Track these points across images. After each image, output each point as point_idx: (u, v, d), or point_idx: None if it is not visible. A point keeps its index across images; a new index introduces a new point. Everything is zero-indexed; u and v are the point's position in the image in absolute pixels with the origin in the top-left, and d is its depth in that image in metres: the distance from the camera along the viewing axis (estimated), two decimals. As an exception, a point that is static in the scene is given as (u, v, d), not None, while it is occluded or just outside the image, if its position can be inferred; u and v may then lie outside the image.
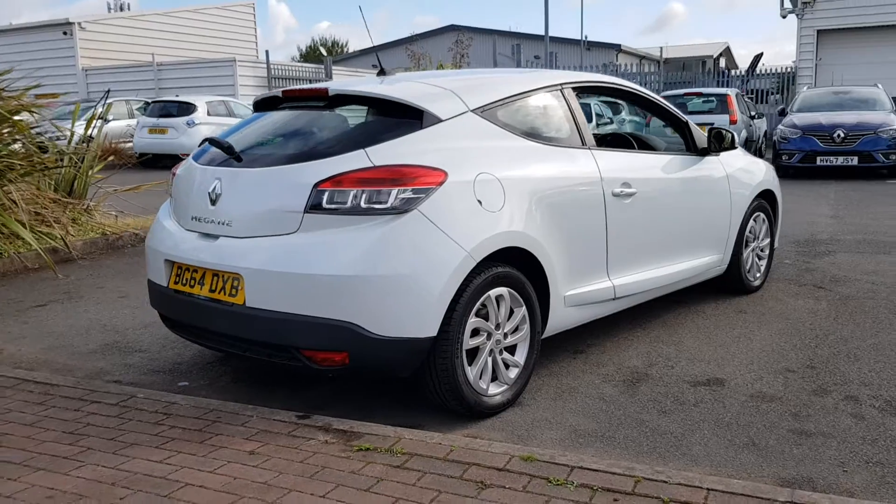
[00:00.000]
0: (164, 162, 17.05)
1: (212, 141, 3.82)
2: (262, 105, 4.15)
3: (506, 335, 3.58)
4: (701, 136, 5.08)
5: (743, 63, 54.37)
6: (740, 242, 5.39)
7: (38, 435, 3.16)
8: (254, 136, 3.89)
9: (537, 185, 3.71)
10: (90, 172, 8.65)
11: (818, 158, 12.81)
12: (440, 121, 3.53)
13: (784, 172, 13.49)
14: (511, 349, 3.64)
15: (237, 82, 22.74)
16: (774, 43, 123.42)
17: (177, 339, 4.83)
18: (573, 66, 24.95)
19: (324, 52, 53.34)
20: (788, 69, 27.50)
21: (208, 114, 18.66)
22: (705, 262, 5.06)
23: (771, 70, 28.41)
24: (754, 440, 3.25)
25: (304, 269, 3.20)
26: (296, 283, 3.20)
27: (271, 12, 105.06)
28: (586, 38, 44.29)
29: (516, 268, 3.57)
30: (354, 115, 3.76)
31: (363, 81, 3.99)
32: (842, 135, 12.66)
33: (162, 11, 27.82)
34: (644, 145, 5.32)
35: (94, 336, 4.98)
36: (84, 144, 8.63)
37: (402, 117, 3.53)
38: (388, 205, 3.19)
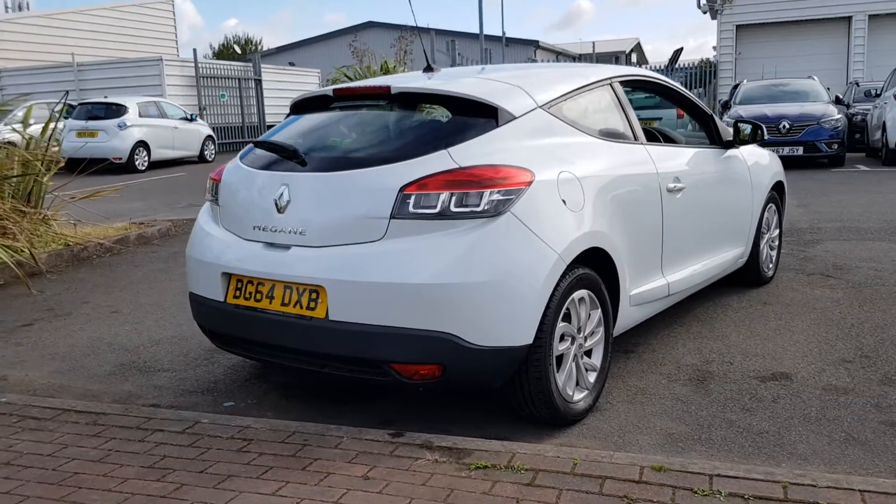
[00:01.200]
0: (96, 166, 16.22)
1: (264, 144, 3.58)
2: (306, 105, 3.91)
3: (585, 339, 3.47)
4: (725, 128, 5.08)
5: (653, 58, 55.78)
6: (758, 234, 5.44)
7: (114, 472, 2.87)
8: (311, 138, 3.66)
9: (608, 183, 3.62)
10: (45, 179, 8.12)
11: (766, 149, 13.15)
12: (514, 118, 3.39)
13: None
14: (588, 353, 3.54)
15: (164, 82, 21.88)
16: (679, 39, 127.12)
17: (199, 356, 4.54)
18: (498, 62, 25.02)
19: (238, 49, 52.11)
20: (709, 63, 28.31)
21: (140, 115, 17.92)
22: (734, 254, 5.07)
23: (692, 64, 29.25)
24: (851, 434, 3.23)
25: (394, 278, 3.00)
26: (385, 294, 3.01)
27: (177, 10, 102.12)
28: (505, 34, 44.57)
29: (593, 269, 3.47)
30: (416, 114, 3.57)
31: (417, 78, 3.79)
32: (787, 126, 13.06)
33: (78, 10, 26.57)
34: (666, 138, 5.29)
35: (105, 356, 4.62)
36: (43, 149, 8.08)
37: (475, 115, 3.37)
38: (481, 208, 3.03)
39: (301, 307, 3.19)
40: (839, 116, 13.25)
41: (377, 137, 3.55)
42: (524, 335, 3.07)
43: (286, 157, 3.42)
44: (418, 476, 2.75)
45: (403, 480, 2.71)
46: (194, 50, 22.69)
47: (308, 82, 28.74)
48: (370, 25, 55.48)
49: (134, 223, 9.04)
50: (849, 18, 26.42)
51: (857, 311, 4.92)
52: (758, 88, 15.05)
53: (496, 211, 3.04)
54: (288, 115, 4.05)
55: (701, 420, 3.43)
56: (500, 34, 37.81)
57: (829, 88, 15.96)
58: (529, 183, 3.14)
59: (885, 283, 5.57)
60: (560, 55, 51.64)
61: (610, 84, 4.10)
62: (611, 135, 3.90)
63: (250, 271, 3.35)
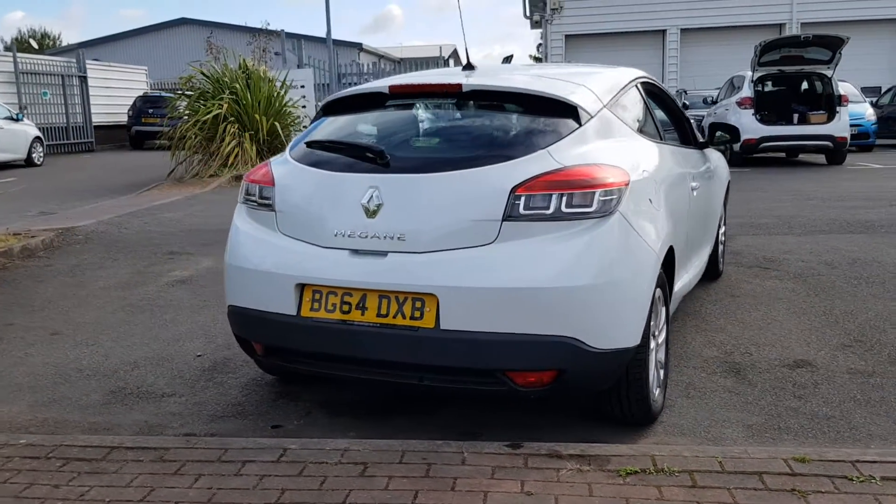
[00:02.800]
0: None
1: (337, 145, 3.31)
2: (350, 103, 3.64)
3: (658, 337, 3.51)
4: (695, 131, 5.31)
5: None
6: (718, 230, 5.74)
7: (245, 514, 2.53)
8: (382, 138, 3.42)
9: (668, 182, 3.68)
10: None
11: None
12: (591, 117, 3.36)
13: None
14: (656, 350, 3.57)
15: (-21, 77, 19.69)
16: (486, 46, 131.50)
17: (195, 376, 4.14)
18: (324, 64, 24.47)
19: (34, 44, 48.05)
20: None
21: (-42, 114, 16.02)
22: (708, 250, 5.31)
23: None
24: (906, 413, 3.48)
25: (513, 282, 2.88)
26: (503, 300, 2.87)
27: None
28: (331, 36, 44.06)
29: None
30: (491, 113, 3.43)
31: (478, 75, 3.64)
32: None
33: None
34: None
35: (83, 384, 4.09)
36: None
37: (555, 114, 3.30)
38: (592, 208, 2.97)
39: (404, 317, 2.97)
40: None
41: (463, 137, 3.37)
42: (635, 336, 3.05)
43: (368, 158, 3.17)
44: (577, 487, 2.64)
45: (568, 493, 2.60)
46: (13, 41, 20.57)
47: (137, 80, 26.98)
48: (183, 22, 53.00)
49: (11, 234, 8.05)
50: (663, 31, 28.56)
51: (817, 301, 5.30)
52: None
53: (606, 211, 2.99)
54: (319, 114, 3.77)
55: (765, 409, 3.55)
56: (320, 35, 37.44)
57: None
58: (628, 183, 3.12)
59: (820, 273, 6.06)
60: (382, 58, 51.90)
61: (636, 85, 4.16)
62: (649, 134, 3.96)
63: (335, 281, 3.08)
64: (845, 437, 3.27)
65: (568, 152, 3.12)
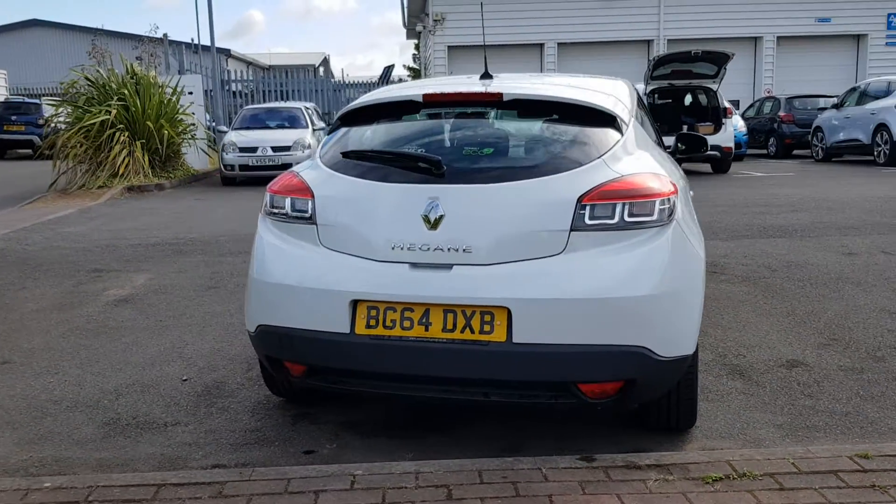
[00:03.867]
0: None
1: (386, 155, 3.18)
2: (373, 112, 3.50)
3: None
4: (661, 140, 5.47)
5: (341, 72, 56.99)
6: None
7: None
8: (425, 147, 3.30)
9: (685, 190, 3.75)
10: None
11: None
12: (627, 126, 3.38)
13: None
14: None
15: None
16: (349, 56, 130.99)
17: (192, 402, 3.87)
18: (207, 70, 23.63)
19: None
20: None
21: None
22: None
23: (405, 79, 30.61)
24: (911, 406, 3.70)
25: (586, 293, 2.85)
26: (576, 311, 2.84)
27: None
28: (197, 41, 42.80)
29: None
30: (534, 122, 3.38)
31: (511, 84, 3.58)
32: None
33: None
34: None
35: (65, 416, 3.72)
36: None
37: (595, 124, 3.29)
38: (654, 217, 2.99)
39: (472, 332, 2.87)
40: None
41: (513, 147, 3.30)
42: (693, 342, 3.08)
43: (421, 168, 3.05)
44: (674, 497, 2.63)
45: None
46: None
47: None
48: (34, 24, 49.87)
49: None
50: (541, 45, 29.47)
51: (776, 302, 5.57)
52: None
53: (666, 220, 3.01)
54: (337, 123, 3.61)
55: (784, 409, 3.68)
56: (188, 40, 36.22)
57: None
58: (676, 191, 3.16)
59: (764, 276, 6.38)
60: (251, 65, 50.69)
61: (638, 95, 4.23)
62: (658, 143, 4.04)
63: (394, 296, 2.94)
64: (870, 431, 3.42)
65: (619, 162, 3.13)
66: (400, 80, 31.53)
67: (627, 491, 2.68)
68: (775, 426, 3.49)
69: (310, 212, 3.18)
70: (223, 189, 14.79)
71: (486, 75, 3.77)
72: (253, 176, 14.98)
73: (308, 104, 19.01)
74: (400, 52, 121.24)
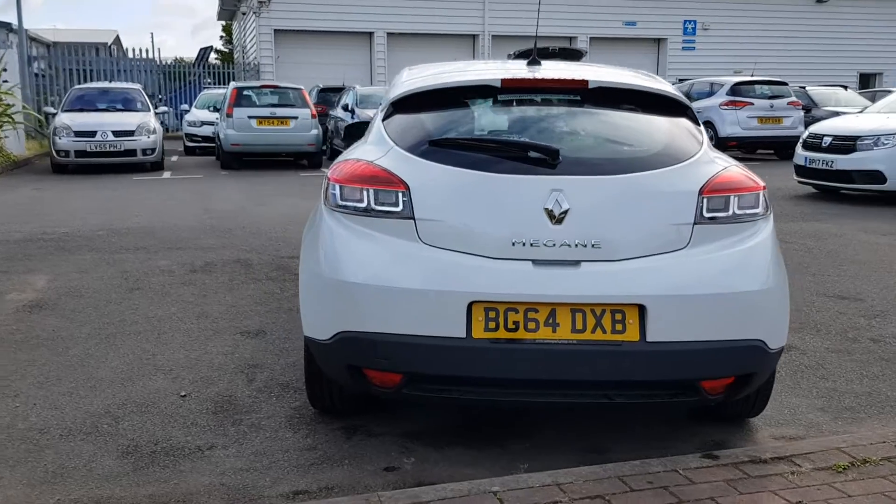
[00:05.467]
0: None
1: (490, 144, 2.94)
2: (439, 97, 3.23)
3: None
4: None
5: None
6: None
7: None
8: (531, 132, 3.07)
9: None
10: None
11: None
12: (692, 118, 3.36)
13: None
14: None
15: None
16: (137, 33, 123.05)
17: (220, 420, 3.43)
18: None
19: None
20: (253, 64, 28.60)
21: None
22: None
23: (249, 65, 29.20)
24: (915, 382, 3.99)
25: (715, 288, 2.80)
26: (708, 307, 2.78)
27: None
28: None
29: None
30: (619, 111, 3.25)
31: (570, 71, 3.42)
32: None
33: None
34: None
35: (72, 447, 3.16)
36: None
37: (672, 113, 3.25)
38: (759, 209, 2.99)
39: (604, 331, 2.73)
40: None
41: (616, 136, 3.15)
42: (787, 333, 3.12)
43: (532, 159, 2.85)
44: (824, 490, 2.64)
45: (830, 497, 2.59)
46: None
47: None
48: None
49: None
50: (371, 34, 29.23)
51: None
52: (373, 93, 15.87)
53: (766, 212, 3.03)
54: (391, 109, 3.29)
55: (815, 393, 3.81)
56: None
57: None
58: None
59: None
60: (34, 41, 46.28)
61: None
62: None
63: (516, 296, 2.72)
64: (898, 410, 3.65)
65: (712, 153, 3.10)
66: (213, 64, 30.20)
67: (778, 487, 2.66)
68: (818, 409, 3.62)
69: (402, 205, 2.87)
70: (59, 178, 13.30)
71: (534, 61, 3.60)
72: (91, 164, 13.61)
73: (135, 85, 17.62)
74: (192, 33, 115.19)
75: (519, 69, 3.47)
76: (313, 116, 14.30)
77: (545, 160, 2.84)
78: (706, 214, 2.86)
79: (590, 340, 2.72)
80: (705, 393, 2.86)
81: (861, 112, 11.69)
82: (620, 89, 3.23)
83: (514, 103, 3.24)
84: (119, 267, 6.31)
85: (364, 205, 2.92)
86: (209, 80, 27.84)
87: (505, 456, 3.11)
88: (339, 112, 16.16)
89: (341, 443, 3.22)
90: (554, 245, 2.75)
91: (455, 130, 3.11)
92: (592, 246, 2.75)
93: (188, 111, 19.13)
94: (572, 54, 14.26)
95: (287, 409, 3.54)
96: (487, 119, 3.22)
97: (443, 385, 2.85)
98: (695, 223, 2.83)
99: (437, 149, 2.96)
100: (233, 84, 15.11)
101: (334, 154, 16.08)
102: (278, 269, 6.24)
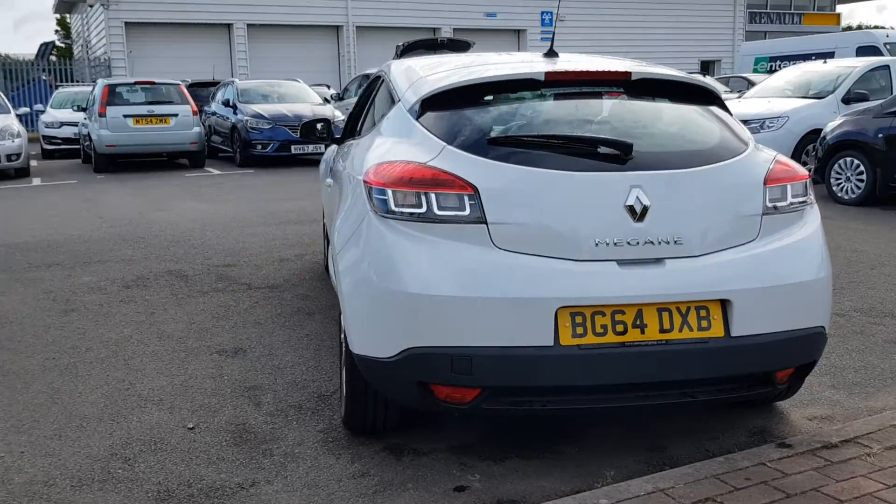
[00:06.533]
0: None
1: (556, 140, 2.80)
2: (475, 91, 3.05)
3: None
4: None
5: None
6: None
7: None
8: (586, 127, 2.94)
9: None
10: None
11: (292, 147, 13.58)
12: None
13: (258, 161, 13.91)
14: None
15: None
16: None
17: (248, 451, 3.13)
18: None
19: None
20: (102, 59, 26.92)
21: None
22: None
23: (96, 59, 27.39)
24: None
25: (790, 279, 2.80)
26: (781, 297, 2.78)
27: None
28: None
29: None
30: (662, 102, 3.18)
31: (599, 63, 3.33)
32: (309, 125, 13.66)
33: None
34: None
35: (94, 499, 2.78)
36: None
37: (709, 103, 3.23)
38: (808, 198, 3.04)
39: (691, 329, 2.67)
40: (342, 117, 14.42)
41: (670, 128, 3.07)
42: None
43: (601, 155, 2.74)
44: (904, 470, 2.71)
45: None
46: None
47: None
48: None
49: None
50: (229, 26, 28.13)
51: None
52: (253, 88, 15.24)
53: (813, 200, 3.08)
54: (423, 105, 3.09)
55: (826, 370, 3.89)
56: None
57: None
58: None
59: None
60: None
61: None
62: None
63: (604, 299, 2.61)
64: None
65: (757, 143, 3.11)
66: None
67: (865, 470, 2.70)
68: (830, 387, 3.72)
69: (469, 209, 2.68)
70: None
71: (552, 52, 3.50)
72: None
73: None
74: (15, 27, 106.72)
75: (542, 61, 3.35)
76: (194, 113, 13.53)
77: (617, 156, 2.74)
78: (770, 205, 2.86)
79: (678, 339, 2.65)
80: (777, 383, 2.87)
81: (740, 97, 12.36)
82: (661, 80, 3.17)
83: (556, 97, 3.11)
84: (38, 287, 5.68)
85: (423, 210, 2.72)
86: (45, 77, 25.97)
87: (568, 463, 3.00)
88: (217, 108, 15.40)
89: (393, 465, 3.00)
90: (638, 243, 2.66)
91: (507, 127, 2.96)
92: (675, 242, 2.68)
93: (44, 111, 17.68)
94: (460, 45, 14.20)
95: (314, 434, 3.27)
96: (536, 114, 3.08)
97: (525, 397, 2.70)
98: (763, 214, 2.82)
99: (500, 147, 2.79)
100: (102, 81, 14.05)
101: (212, 152, 15.36)
102: (221, 280, 5.82)
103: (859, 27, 55.52)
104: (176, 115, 13.27)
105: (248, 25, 28.33)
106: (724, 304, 2.69)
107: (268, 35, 28.56)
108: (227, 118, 14.42)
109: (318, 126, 5.07)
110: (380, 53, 28.72)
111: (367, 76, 16.99)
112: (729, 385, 2.80)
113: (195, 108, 13.66)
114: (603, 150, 2.77)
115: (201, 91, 17.90)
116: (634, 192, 2.67)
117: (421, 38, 16.35)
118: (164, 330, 4.66)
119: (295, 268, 6.20)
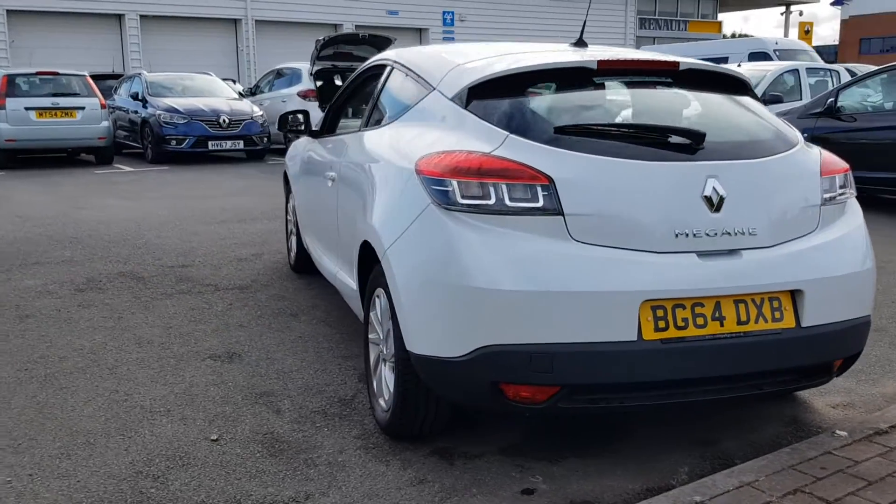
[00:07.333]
0: None
1: (621, 128, 2.73)
2: (522, 80, 2.94)
3: None
4: None
5: None
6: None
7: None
8: (646, 115, 2.87)
9: None
10: None
11: (210, 143, 13.01)
12: (754, 98, 3.40)
13: (171, 158, 13.29)
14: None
15: None
16: None
17: (292, 463, 2.93)
18: None
19: None
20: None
21: None
22: None
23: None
24: None
25: (850, 268, 2.84)
26: (844, 287, 2.81)
27: None
28: None
29: None
30: (708, 93, 3.15)
31: (635, 53, 3.29)
32: (227, 120, 13.14)
33: None
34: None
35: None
36: None
37: (750, 95, 3.25)
38: (852, 189, 3.09)
39: (765, 321, 2.66)
40: (261, 112, 13.97)
41: (724, 120, 3.03)
42: None
43: (671, 145, 2.69)
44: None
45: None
46: None
47: None
48: None
49: None
50: (121, 16, 26.84)
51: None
52: (163, 81, 14.51)
53: (853, 191, 3.14)
54: (469, 94, 2.96)
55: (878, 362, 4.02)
56: None
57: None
58: None
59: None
60: None
61: None
62: None
63: (684, 291, 2.56)
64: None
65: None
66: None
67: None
68: (851, 374, 3.79)
69: (542, 200, 2.58)
70: None
71: (581, 42, 3.44)
72: None
73: None
74: None
75: (578, 51, 3.28)
76: (103, 107, 12.76)
77: (689, 145, 2.70)
78: (825, 195, 2.89)
79: (755, 331, 2.64)
80: (833, 373, 2.90)
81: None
82: (706, 71, 3.16)
83: (608, 86, 3.05)
84: (-27, 292, 5.18)
85: (491, 202, 2.59)
86: None
87: (626, 461, 2.94)
88: (123, 101, 14.60)
89: (449, 470, 2.86)
90: (716, 234, 2.62)
91: (570, 116, 2.87)
92: (749, 233, 2.66)
93: None
94: (380, 41, 14.00)
95: (351, 440, 3.09)
96: (594, 102, 3.01)
97: (605, 394, 2.62)
98: (821, 204, 2.85)
99: (569, 136, 2.70)
100: (1, 71, 13.06)
101: (117, 149, 14.59)
102: (182, 281, 5.47)
103: (734, 35, 58.64)
104: (83, 108, 12.48)
105: (142, 17, 27.13)
106: (794, 294, 2.70)
107: (163, 27, 27.46)
108: (137, 112, 13.69)
109: (299, 117, 4.86)
110: (281, 48, 28.11)
111: (277, 72, 16.55)
112: (795, 376, 2.81)
113: (104, 102, 12.89)
114: (674, 139, 2.72)
115: (99, 84, 16.94)
116: (711, 183, 2.63)
117: (341, 33, 16.04)
118: (141, 335, 4.32)
119: (257, 267, 5.91)
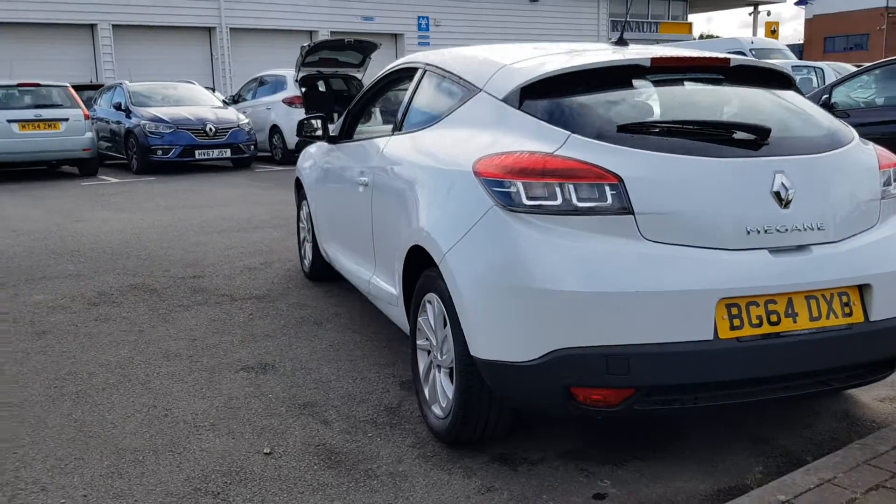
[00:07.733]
0: None
1: (688, 125, 2.68)
2: (577, 78, 2.90)
3: None
4: None
5: None
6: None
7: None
8: (707, 112, 2.84)
9: None
10: None
11: (197, 152, 12.84)
12: (795, 95, 3.39)
13: (157, 168, 13.11)
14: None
15: None
16: None
17: (362, 477, 2.85)
18: None
19: None
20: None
21: None
22: None
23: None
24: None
25: None
26: None
27: None
28: None
29: None
30: (757, 89, 3.13)
31: (694, 50, 3.26)
32: (213, 128, 12.98)
33: None
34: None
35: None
36: None
37: (787, 89, 3.25)
38: None
39: (836, 316, 2.64)
40: (247, 120, 13.83)
41: (782, 115, 3.01)
42: None
43: (735, 141, 2.66)
44: None
45: None
46: None
47: None
48: None
49: None
50: (93, 26, 26.48)
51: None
52: (146, 90, 14.29)
53: None
54: (520, 94, 2.91)
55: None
56: None
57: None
58: None
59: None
60: None
61: None
62: None
63: (758, 288, 2.53)
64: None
65: (851, 128, 3.14)
66: None
67: None
68: None
69: (611, 199, 2.54)
70: None
71: (622, 41, 3.41)
72: None
73: None
74: None
75: (622, 49, 3.25)
76: (86, 118, 12.53)
77: (754, 141, 2.68)
78: (884, 189, 2.88)
79: (826, 327, 2.61)
80: (891, 369, 2.89)
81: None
82: (756, 67, 3.14)
83: (662, 83, 3.02)
84: (-15, 308, 5.04)
85: (558, 202, 2.55)
86: None
87: (689, 461, 2.91)
88: (105, 112, 14.37)
89: (513, 476, 2.81)
90: (786, 230, 2.60)
91: (630, 114, 2.84)
92: (818, 228, 2.65)
93: None
94: (365, 47, 13.97)
95: (407, 449, 3.03)
96: (651, 100, 2.98)
97: (680, 394, 2.58)
98: (881, 198, 2.85)
99: (633, 134, 2.66)
100: (-20, 83, 12.80)
101: (101, 159, 14.36)
102: (198, 292, 5.36)
103: (702, 36, 59.27)
104: (66, 119, 12.26)
105: (114, 26, 26.77)
106: (862, 289, 2.68)
107: (136, 37, 27.13)
108: (120, 122, 13.48)
109: (315, 123, 4.79)
110: (255, 56, 27.91)
111: (259, 80, 16.40)
112: (862, 370, 2.79)
113: (87, 113, 12.67)
114: (739, 135, 2.70)
115: (79, 95, 16.69)
116: (779, 178, 2.61)
117: (326, 39, 15.95)
118: (167, 349, 4.22)
119: (270, 276, 5.81)
